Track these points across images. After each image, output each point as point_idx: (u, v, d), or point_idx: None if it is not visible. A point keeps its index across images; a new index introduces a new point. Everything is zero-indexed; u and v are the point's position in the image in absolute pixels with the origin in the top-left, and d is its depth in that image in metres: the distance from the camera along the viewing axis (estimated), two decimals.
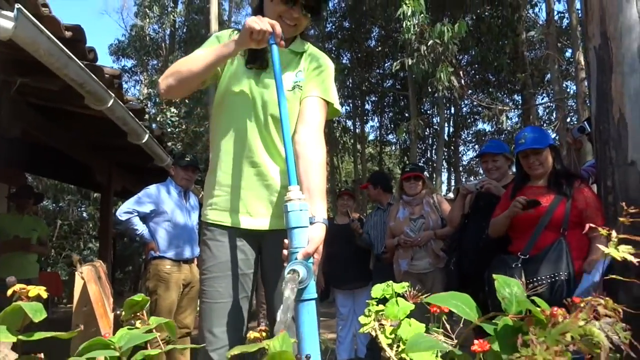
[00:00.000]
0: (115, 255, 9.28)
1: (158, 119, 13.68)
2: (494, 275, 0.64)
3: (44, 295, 0.71)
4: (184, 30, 17.79)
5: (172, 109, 14.60)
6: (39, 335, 0.69)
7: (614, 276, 0.92)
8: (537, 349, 0.45)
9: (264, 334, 0.80)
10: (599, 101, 2.49)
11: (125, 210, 3.66)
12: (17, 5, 1.87)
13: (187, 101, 15.52)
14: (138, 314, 0.75)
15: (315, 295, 1.24)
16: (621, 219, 0.85)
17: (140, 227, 3.67)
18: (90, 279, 1.74)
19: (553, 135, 9.09)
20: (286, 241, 1.27)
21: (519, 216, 2.45)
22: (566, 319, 0.48)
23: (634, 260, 0.70)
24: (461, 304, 0.62)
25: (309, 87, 1.57)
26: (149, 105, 15.69)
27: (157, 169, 5.22)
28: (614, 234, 0.73)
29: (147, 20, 16.46)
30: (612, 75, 2.42)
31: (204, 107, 15.07)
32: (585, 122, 2.74)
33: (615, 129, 2.39)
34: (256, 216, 1.55)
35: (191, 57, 1.52)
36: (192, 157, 4.15)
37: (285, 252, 1.27)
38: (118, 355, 0.63)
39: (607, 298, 0.61)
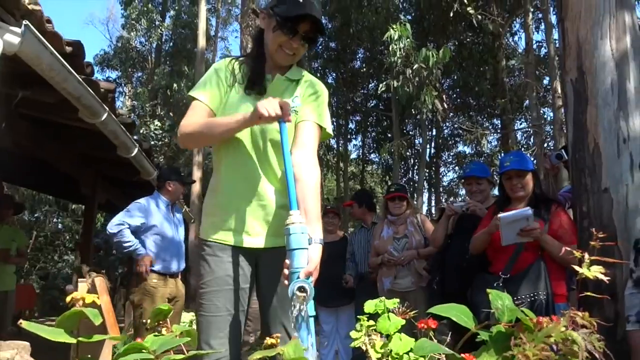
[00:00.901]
0: None
1: (141, 131, 13.62)
2: (488, 290, 0.73)
3: (98, 302, 0.77)
4: (171, 44, 17.86)
5: (156, 122, 14.57)
6: (96, 338, 0.75)
7: (588, 293, 1.02)
8: (527, 346, 0.53)
9: (278, 340, 0.86)
10: (575, 131, 2.64)
11: (116, 222, 3.64)
12: (24, 22, 1.93)
13: (171, 114, 15.53)
14: (162, 322, 0.80)
15: (314, 313, 1.32)
16: (592, 242, 0.95)
17: (133, 240, 3.64)
18: (102, 290, 1.77)
19: (531, 159, 9.38)
20: (287, 261, 1.35)
21: (500, 237, 2.55)
22: (550, 325, 0.57)
23: (605, 278, 0.79)
24: (461, 315, 0.71)
25: (305, 112, 1.67)
26: (132, 117, 15.63)
27: (142, 182, 5.23)
28: (586, 255, 0.82)
29: (134, 32, 16.48)
30: (587, 107, 2.58)
31: None
32: (563, 150, 2.89)
33: (590, 157, 2.54)
34: (254, 235, 1.63)
35: (208, 126, 1.60)
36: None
37: (286, 271, 1.35)
38: (152, 357, 0.69)
39: (584, 312, 0.70)
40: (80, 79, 2.59)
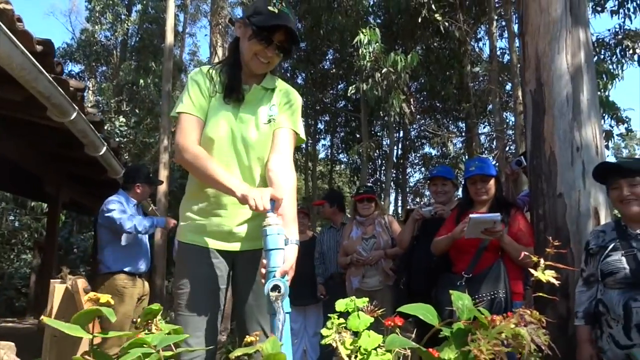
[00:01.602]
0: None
1: (106, 128, 13.29)
2: (451, 291, 0.82)
3: (111, 302, 0.81)
4: (137, 38, 17.47)
5: (121, 118, 14.24)
6: (113, 334, 0.80)
7: (541, 294, 1.12)
8: (482, 342, 0.62)
9: (257, 337, 0.93)
10: (533, 139, 2.81)
11: (126, 220, 3.61)
12: None
13: (137, 111, 15.21)
14: (151, 321, 0.85)
15: (289, 310, 1.38)
16: (547, 249, 1.06)
17: (147, 219, 3.74)
18: (82, 291, 1.78)
19: (493, 162, 9.71)
20: (264, 261, 1.42)
21: (463, 239, 2.69)
22: (502, 323, 0.66)
23: (557, 282, 0.88)
24: (427, 313, 0.79)
25: (281, 119, 1.75)
26: (96, 113, 15.20)
27: (108, 181, 5.16)
28: (542, 261, 0.92)
29: (99, 26, 16.05)
30: (545, 117, 2.75)
31: (154, 118, 14.79)
32: (522, 157, 3.05)
33: (546, 164, 2.71)
34: (231, 239, 1.70)
35: (205, 173, 1.60)
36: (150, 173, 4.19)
37: (263, 270, 1.41)
38: (154, 352, 0.74)
39: (533, 310, 0.80)
40: (51, 78, 2.56)
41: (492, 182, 2.82)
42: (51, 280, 1.90)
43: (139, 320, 0.93)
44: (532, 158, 2.82)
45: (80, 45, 16.77)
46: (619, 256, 1.91)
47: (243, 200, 1.50)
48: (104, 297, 0.79)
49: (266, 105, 1.74)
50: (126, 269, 3.62)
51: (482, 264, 2.64)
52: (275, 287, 1.33)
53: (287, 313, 1.35)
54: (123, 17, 16.31)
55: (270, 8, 1.62)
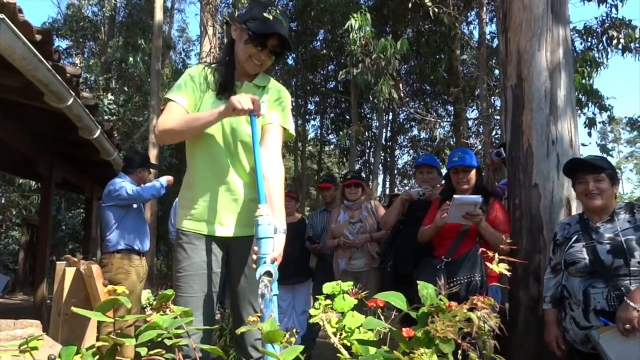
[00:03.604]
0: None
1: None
2: (418, 281, 0.96)
3: (127, 291, 0.94)
4: (125, 14, 17.18)
5: (110, 96, 14.12)
6: (129, 317, 0.93)
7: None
8: (439, 324, 0.77)
9: (258, 317, 1.07)
10: (512, 132, 2.96)
11: (129, 187, 3.80)
12: (0, 15, 1.99)
13: (125, 89, 15.08)
14: (164, 304, 0.99)
15: (277, 292, 1.54)
16: (501, 245, 1.21)
17: (150, 184, 3.92)
18: (98, 275, 1.90)
19: (479, 147, 9.90)
20: (255, 248, 1.56)
21: (445, 226, 2.85)
22: (456, 308, 0.81)
23: (508, 273, 1.03)
24: (396, 299, 0.94)
25: (270, 115, 1.89)
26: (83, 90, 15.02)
27: (100, 161, 5.24)
28: (497, 255, 1.07)
29: (86, 1, 15.75)
30: (524, 111, 2.90)
31: (143, 96, 14.70)
32: (502, 148, 3.20)
33: (524, 156, 2.87)
34: (225, 225, 1.84)
35: (187, 122, 1.75)
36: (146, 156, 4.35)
37: (254, 256, 1.56)
38: (165, 333, 0.88)
39: (488, 297, 0.95)
40: (50, 67, 2.64)
41: (473, 172, 2.97)
42: (58, 263, 2.02)
43: (144, 300, 1.05)
44: (511, 150, 2.98)
45: (67, 20, 16.45)
46: (580, 247, 2.09)
47: (228, 111, 1.63)
48: (120, 288, 0.91)
49: None
50: (133, 247, 3.81)
51: (461, 249, 2.82)
52: (267, 273, 1.48)
53: (275, 295, 1.50)
54: None
55: (265, 14, 1.73)
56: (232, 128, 1.82)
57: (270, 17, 1.74)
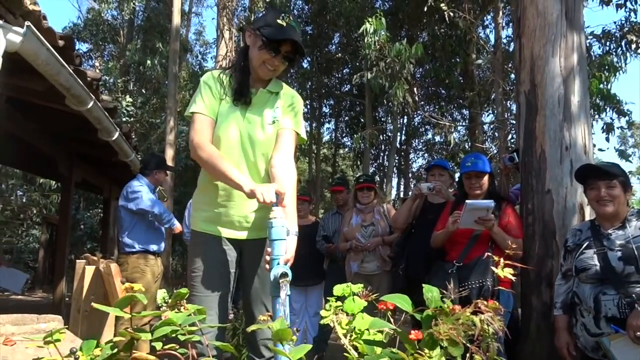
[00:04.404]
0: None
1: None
2: (424, 284, 0.99)
3: (143, 289, 0.99)
4: (144, 17, 17.46)
5: (128, 98, 14.36)
6: (145, 314, 0.98)
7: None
8: (442, 326, 0.80)
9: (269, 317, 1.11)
10: (525, 137, 2.96)
11: (149, 199, 3.93)
12: (27, 23, 2.07)
13: (143, 91, 15.32)
14: (179, 302, 1.03)
15: (290, 292, 1.58)
16: (507, 250, 1.23)
17: (168, 215, 4.06)
18: (117, 273, 1.97)
19: (495, 151, 9.83)
20: (268, 249, 1.61)
21: (457, 231, 2.85)
22: (459, 311, 0.84)
23: (513, 278, 1.05)
24: (403, 301, 0.97)
25: (284, 120, 1.94)
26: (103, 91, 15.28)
27: (118, 162, 5.35)
28: (502, 260, 1.09)
29: (106, 5, 16.04)
30: (537, 117, 2.90)
31: (160, 98, 14.91)
32: (515, 153, 3.20)
33: (537, 162, 2.87)
34: (239, 228, 1.90)
35: (216, 168, 1.77)
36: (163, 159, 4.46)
37: (267, 258, 1.60)
38: (179, 329, 0.93)
39: (493, 301, 0.98)
40: (72, 71, 2.72)
41: (485, 178, 2.97)
42: (77, 261, 2.09)
43: (159, 299, 1.10)
44: (524, 155, 2.98)
45: (87, 24, 16.79)
46: (591, 254, 2.09)
47: (251, 194, 1.67)
48: (137, 286, 0.96)
49: (271, 108, 1.92)
50: (148, 248, 3.90)
51: (472, 254, 2.82)
52: (284, 274, 1.52)
53: (287, 295, 1.54)
54: None
55: (279, 21, 1.78)
56: (248, 134, 1.87)
57: (284, 24, 1.79)
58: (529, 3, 2.99)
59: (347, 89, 14.81)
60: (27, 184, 15.03)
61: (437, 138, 14.47)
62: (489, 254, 1.32)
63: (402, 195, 16.29)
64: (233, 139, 1.86)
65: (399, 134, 13.93)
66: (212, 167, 1.79)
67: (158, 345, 0.94)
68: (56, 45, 2.57)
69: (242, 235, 1.89)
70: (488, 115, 12.15)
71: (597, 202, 2.12)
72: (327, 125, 17.86)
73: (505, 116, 8.27)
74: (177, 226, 4.15)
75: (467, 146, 11.85)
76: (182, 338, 0.97)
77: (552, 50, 2.88)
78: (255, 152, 1.88)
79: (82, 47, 17.25)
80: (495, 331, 0.95)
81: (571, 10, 2.92)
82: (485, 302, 0.89)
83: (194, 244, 1.90)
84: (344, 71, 14.27)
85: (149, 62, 14.28)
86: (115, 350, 0.89)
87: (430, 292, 0.93)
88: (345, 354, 1.10)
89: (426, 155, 16.33)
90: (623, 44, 8.19)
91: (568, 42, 2.88)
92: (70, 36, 2.70)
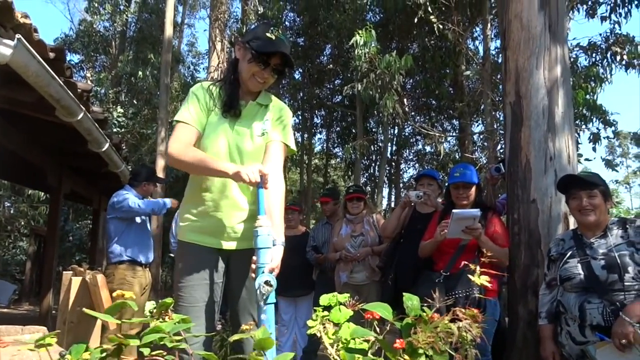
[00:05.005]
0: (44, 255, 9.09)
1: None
2: (404, 293, 1.02)
3: (134, 297, 1.01)
4: (136, 29, 17.50)
5: (119, 109, 14.33)
6: (136, 320, 0.99)
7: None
8: (421, 335, 0.82)
9: (252, 326, 1.12)
10: (511, 148, 3.01)
11: (133, 200, 3.92)
12: (17, 36, 2.08)
13: (135, 102, 15.30)
14: (164, 312, 1.05)
15: (275, 301, 1.60)
16: (482, 258, 1.25)
17: (154, 200, 4.08)
18: (103, 284, 1.97)
19: (484, 161, 9.92)
20: (254, 258, 1.62)
21: (444, 241, 2.88)
22: (437, 320, 0.86)
23: (489, 285, 1.08)
24: (384, 310, 1.00)
25: (273, 133, 1.97)
26: (94, 102, 15.25)
27: (108, 173, 5.34)
28: (478, 268, 1.12)
29: (98, 16, 16.07)
30: (522, 128, 2.95)
31: (151, 109, 14.89)
32: (501, 164, 3.25)
33: (522, 172, 2.92)
34: (227, 239, 1.91)
35: (198, 164, 1.78)
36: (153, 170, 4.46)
37: (253, 266, 1.62)
38: (168, 336, 0.94)
39: (472, 309, 1.00)
40: (62, 83, 2.74)
41: (473, 189, 3.01)
42: (64, 272, 2.09)
43: (147, 309, 1.10)
44: (510, 165, 3.03)
45: (79, 35, 16.79)
46: (575, 263, 2.12)
47: (236, 176, 1.68)
48: (128, 294, 0.98)
49: (260, 120, 1.95)
50: (136, 259, 3.88)
51: (459, 263, 2.84)
52: (267, 282, 1.53)
53: (271, 303, 1.56)
54: (122, 7, 16.33)
55: (268, 34, 1.81)
56: (236, 145, 1.89)
57: (273, 37, 1.82)
58: (513, 17, 3.06)
59: (338, 99, 14.90)
60: (15, 195, 14.87)
61: (428, 148, 14.59)
62: (466, 262, 1.34)
63: (393, 205, 16.33)
64: (221, 149, 1.88)
65: (389, 144, 14.03)
66: (189, 162, 1.78)
67: (146, 351, 0.95)
68: (47, 57, 2.59)
69: (230, 245, 1.90)
70: (477, 125, 12.28)
71: (579, 212, 2.16)
72: (318, 135, 17.95)
73: (494, 126, 8.37)
74: (172, 201, 4.15)
75: (457, 156, 11.95)
76: (169, 345, 0.98)
77: (537, 62, 2.94)
78: (243, 163, 1.90)
79: (74, 58, 17.23)
80: (473, 338, 0.97)
81: (555, 24, 2.98)
82: (463, 310, 0.91)
83: (180, 254, 1.91)
84: (335, 82, 14.37)
85: (140, 73, 14.29)
86: (104, 354, 0.90)
87: (410, 301, 0.95)
88: None
89: (417, 165, 16.41)
90: (608, 55, 8.35)
91: (552, 54, 2.94)
92: (61, 48, 2.72)
